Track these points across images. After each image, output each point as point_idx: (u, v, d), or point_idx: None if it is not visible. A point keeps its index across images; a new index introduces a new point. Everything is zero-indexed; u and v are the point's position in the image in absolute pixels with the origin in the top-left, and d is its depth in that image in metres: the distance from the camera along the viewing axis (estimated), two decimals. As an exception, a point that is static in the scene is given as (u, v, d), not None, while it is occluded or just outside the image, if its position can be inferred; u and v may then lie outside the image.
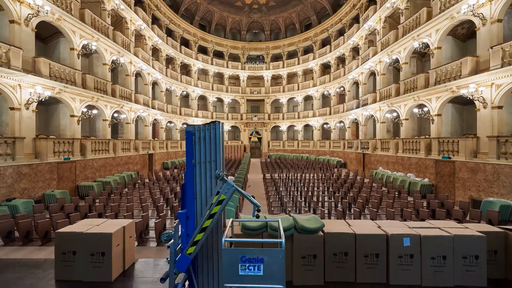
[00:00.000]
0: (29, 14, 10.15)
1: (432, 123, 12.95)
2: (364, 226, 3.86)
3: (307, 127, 30.35)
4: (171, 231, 2.56)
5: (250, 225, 3.58)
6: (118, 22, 17.99)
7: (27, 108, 9.97)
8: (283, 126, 31.07)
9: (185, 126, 27.18)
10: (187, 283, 2.64)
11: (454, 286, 3.40)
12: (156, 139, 21.83)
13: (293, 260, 3.53)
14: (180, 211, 2.64)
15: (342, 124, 24.36)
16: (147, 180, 14.23)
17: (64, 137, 12.86)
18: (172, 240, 2.47)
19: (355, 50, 23.45)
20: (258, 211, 2.40)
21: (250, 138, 31.82)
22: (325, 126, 27.08)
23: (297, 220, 3.65)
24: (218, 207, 2.37)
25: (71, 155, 11.37)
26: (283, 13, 29.39)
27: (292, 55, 31.72)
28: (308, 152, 27.54)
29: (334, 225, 3.87)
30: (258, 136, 32.09)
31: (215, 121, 2.63)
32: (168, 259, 2.51)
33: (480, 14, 10.15)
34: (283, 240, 2.40)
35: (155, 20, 22.96)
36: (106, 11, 15.36)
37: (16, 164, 8.94)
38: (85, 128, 15.49)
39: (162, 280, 2.45)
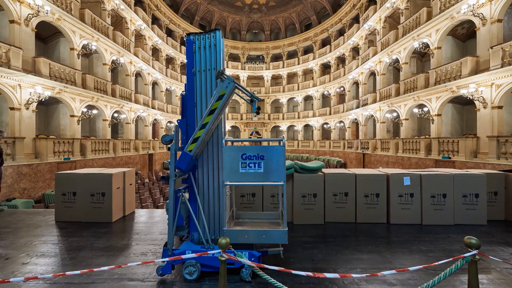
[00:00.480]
0: (29, 14, 10.15)
1: (432, 123, 12.95)
2: (364, 171, 3.88)
3: (307, 127, 30.34)
4: (172, 133, 2.51)
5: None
6: (118, 22, 17.99)
7: (27, 108, 9.98)
8: (283, 126, 31.07)
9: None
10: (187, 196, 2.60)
11: (454, 225, 3.39)
12: (156, 139, 21.82)
13: (293, 199, 3.51)
14: (180, 119, 2.63)
15: (342, 124, 24.36)
16: (147, 180, 14.23)
17: (64, 137, 12.86)
18: (173, 142, 2.44)
19: (355, 50, 23.44)
20: (259, 108, 2.37)
21: (250, 138, 31.81)
22: (325, 126, 27.07)
23: (298, 163, 3.68)
24: (218, 102, 2.31)
25: (71, 155, 11.36)
26: (283, 13, 29.38)
27: (292, 55, 31.71)
28: (308, 152, 27.52)
29: (334, 170, 3.91)
30: (258, 136, 32.07)
31: (215, 29, 2.61)
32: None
33: (480, 14, 10.15)
34: (284, 139, 2.47)
35: (155, 20, 22.96)
36: (106, 11, 15.36)
37: (16, 164, 8.94)
38: (85, 128, 15.48)
39: (162, 178, 2.41)
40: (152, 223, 3.62)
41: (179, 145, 2.55)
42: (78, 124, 12.92)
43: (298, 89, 29.77)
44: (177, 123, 2.62)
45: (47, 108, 13.52)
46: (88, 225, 3.43)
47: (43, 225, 3.48)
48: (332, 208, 3.55)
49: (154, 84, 23.21)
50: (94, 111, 14.18)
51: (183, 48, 26.25)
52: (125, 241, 2.97)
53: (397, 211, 3.47)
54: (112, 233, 3.21)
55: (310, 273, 1.77)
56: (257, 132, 32.02)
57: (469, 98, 10.57)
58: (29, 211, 4.30)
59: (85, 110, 13.42)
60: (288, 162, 3.61)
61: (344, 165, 21.22)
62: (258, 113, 2.38)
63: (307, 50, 30.49)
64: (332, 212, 3.55)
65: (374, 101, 18.57)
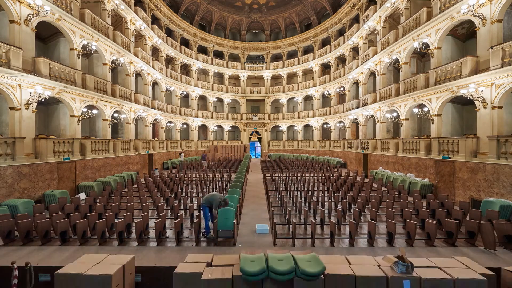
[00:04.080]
0: (29, 14, 10.15)
1: (432, 123, 12.95)
2: (364, 265, 3.78)
3: (307, 127, 30.35)
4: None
5: (250, 271, 3.49)
6: (118, 22, 17.99)
7: (27, 108, 9.98)
8: (283, 126, 31.07)
9: (185, 126, 27.20)
10: None
11: None
12: (156, 139, 21.83)
13: None
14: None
15: (342, 124, 24.36)
16: (143, 180, 14.10)
17: (64, 137, 12.86)
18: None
19: (355, 50, 23.45)
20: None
21: (250, 138, 31.80)
22: (325, 126, 27.08)
23: (298, 263, 3.57)
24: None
25: (71, 155, 11.37)
26: (283, 13, 29.38)
27: (292, 55, 31.71)
28: (308, 152, 27.54)
29: (334, 264, 3.81)
30: (258, 136, 32.07)
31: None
32: None
33: (480, 14, 10.15)
34: None
35: (155, 20, 22.96)
36: (106, 11, 15.36)
37: (16, 164, 8.94)
38: (85, 128, 15.49)
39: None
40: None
41: None
42: (78, 124, 12.92)
43: (298, 89, 29.77)
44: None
45: (47, 108, 13.52)
46: None
47: None
48: None
49: (154, 84, 23.22)
50: (94, 111, 14.17)
51: (183, 48, 26.28)
52: None
53: None
54: None
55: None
56: (257, 132, 32.02)
57: (469, 98, 10.57)
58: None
59: (85, 110, 13.42)
60: (288, 265, 3.51)
61: (344, 165, 21.23)
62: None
63: (307, 50, 30.50)
64: None
65: (374, 101, 18.57)
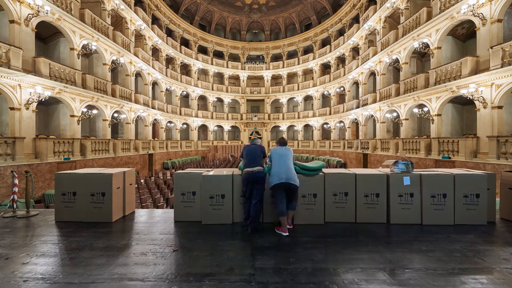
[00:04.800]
0: (29, 14, 10.15)
1: (432, 123, 12.95)
2: (364, 170, 3.88)
3: (307, 127, 30.35)
4: None
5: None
6: (118, 22, 17.99)
7: (27, 108, 9.98)
8: (283, 126, 31.07)
9: (185, 126, 27.20)
10: None
11: (454, 225, 3.38)
12: (156, 139, 21.82)
13: None
14: None
15: (342, 124, 24.36)
16: (142, 180, 14.09)
17: (64, 137, 12.86)
18: None
19: (355, 50, 23.44)
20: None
21: (250, 138, 31.77)
22: (325, 126, 27.08)
23: (297, 163, 3.70)
24: None
25: (71, 155, 11.36)
26: (283, 13, 29.39)
27: (292, 55, 31.71)
28: (308, 152, 27.53)
29: (334, 170, 3.92)
30: (258, 136, 32.06)
31: None
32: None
33: (480, 14, 10.16)
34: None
35: (155, 20, 22.97)
36: (106, 11, 15.36)
37: (16, 164, 8.94)
38: (85, 128, 15.49)
39: None
40: (152, 223, 3.59)
41: None
42: (78, 124, 12.92)
43: (298, 89, 29.78)
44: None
45: (47, 108, 13.52)
46: (88, 225, 3.40)
47: (43, 225, 3.46)
48: (332, 208, 3.53)
49: (154, 84, 23.22)
50: (94, 111, 14.17)
51: (183, 48, 26.28)
52: (125, 241, 2.95)
53: (397, 211, 3.45)
54: (112, 233, 3.19)
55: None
56: (257, 132, 32.02)
57: (469, 98, 10.57)
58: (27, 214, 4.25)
59: (85, 110, 13.42)
60: None
61: (344, 165, 21.21)
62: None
63: (307, 50, 30.50)
64: (332, 212, 3.54)
65: (374, 101, 18.57)
